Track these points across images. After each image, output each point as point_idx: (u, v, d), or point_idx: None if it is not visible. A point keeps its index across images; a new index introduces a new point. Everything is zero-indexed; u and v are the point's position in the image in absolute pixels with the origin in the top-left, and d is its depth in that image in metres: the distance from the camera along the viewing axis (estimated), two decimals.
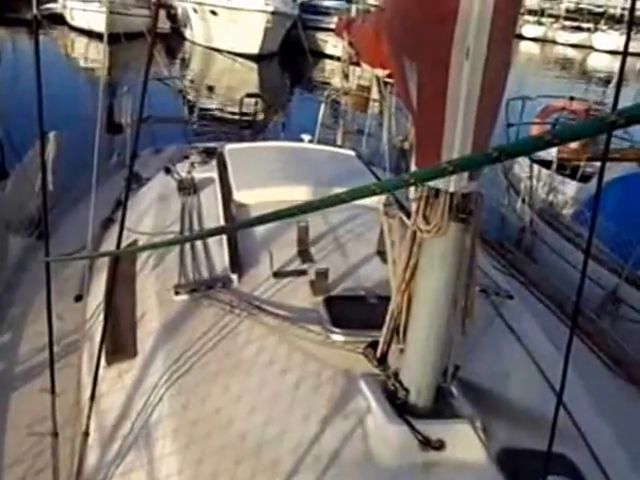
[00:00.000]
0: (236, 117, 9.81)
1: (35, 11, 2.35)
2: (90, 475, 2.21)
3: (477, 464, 1.88)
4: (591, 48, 45.63)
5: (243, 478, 1.86)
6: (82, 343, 2.83)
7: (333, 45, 21.55)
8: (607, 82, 28.59)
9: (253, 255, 2.80)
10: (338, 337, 2.22)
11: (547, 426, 1.71)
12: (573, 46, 46.99)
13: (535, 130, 8.88)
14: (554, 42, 48.66)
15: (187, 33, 28.66)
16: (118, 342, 2.60)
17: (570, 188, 7.54)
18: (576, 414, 2.15)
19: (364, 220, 3.02)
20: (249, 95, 9.83)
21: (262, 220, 1.35)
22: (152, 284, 2.81)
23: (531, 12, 50.44)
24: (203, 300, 2.57)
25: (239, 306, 2.47)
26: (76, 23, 25.50)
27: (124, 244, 2.74)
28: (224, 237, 2.88)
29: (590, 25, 50.83)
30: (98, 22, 17.53)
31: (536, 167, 7.43)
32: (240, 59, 24.58)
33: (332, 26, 19.31)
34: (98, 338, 2.42)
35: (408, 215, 1.89)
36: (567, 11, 55.88)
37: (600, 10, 55.18)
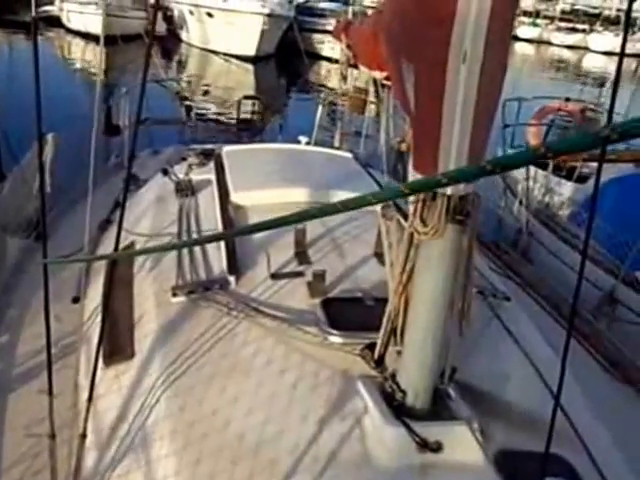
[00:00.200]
0: (233, 119, 9.83)
1: (34, 13, 2.35)
2: (88, 476, 2.21)
3: (474, 466, 1.88)
4: (586, 49, 45.77)
5: (240, 479, 1.86)
6: (80, 345, 2.83)
7: (330, 47, 21.59)
8: (601, 85, 28.65)
9: (250, 257, 2.80)
10: (335, 339, 2.22)
11: (544, 428, 1.71)
12: (568, 47, 47.12)
13: (531, 131, 8.92)
14: (549, 43, 48.80)
15: (183, 35, 28.66)
16: (115, 344, 2.59)
17: (566, 189, 7.55)
18: (573, 415, 2.15)
19: (361, 222, 3.02)
20: (247, 97, 9.85)
21: (259, 228, 1.36)
22: (149, 286, 2.81)
23: (526, 13, 50.46)
24: (200, 302, 2.57)
25: (236, 308, 2.47)
26: (73, 25, 25.52)
27: (122, 245, 2.74)
28: None
29: (585, 26, 51.01)
30: (95, 24, 17.51)
31: (532, 168, 7.44)
32: (236, 61, 24.61)
33: (328, 28, 19.37)
34: (96, 340, 2.42)
35: (405, 217, 1.89)
36: (562, 12, 55.94)
37: (595, 11, 55.30)
